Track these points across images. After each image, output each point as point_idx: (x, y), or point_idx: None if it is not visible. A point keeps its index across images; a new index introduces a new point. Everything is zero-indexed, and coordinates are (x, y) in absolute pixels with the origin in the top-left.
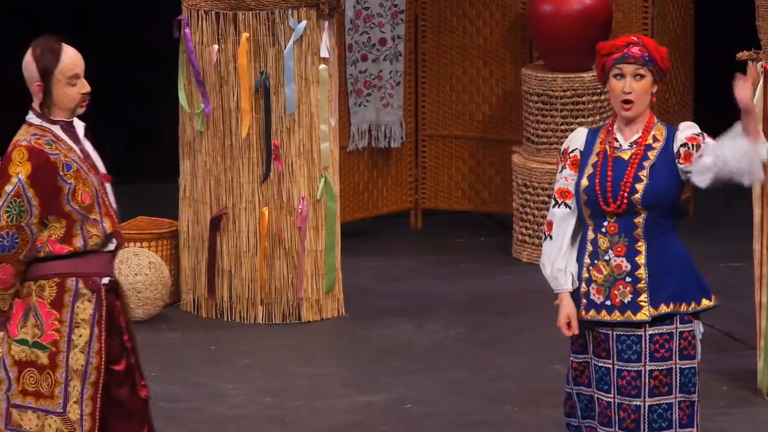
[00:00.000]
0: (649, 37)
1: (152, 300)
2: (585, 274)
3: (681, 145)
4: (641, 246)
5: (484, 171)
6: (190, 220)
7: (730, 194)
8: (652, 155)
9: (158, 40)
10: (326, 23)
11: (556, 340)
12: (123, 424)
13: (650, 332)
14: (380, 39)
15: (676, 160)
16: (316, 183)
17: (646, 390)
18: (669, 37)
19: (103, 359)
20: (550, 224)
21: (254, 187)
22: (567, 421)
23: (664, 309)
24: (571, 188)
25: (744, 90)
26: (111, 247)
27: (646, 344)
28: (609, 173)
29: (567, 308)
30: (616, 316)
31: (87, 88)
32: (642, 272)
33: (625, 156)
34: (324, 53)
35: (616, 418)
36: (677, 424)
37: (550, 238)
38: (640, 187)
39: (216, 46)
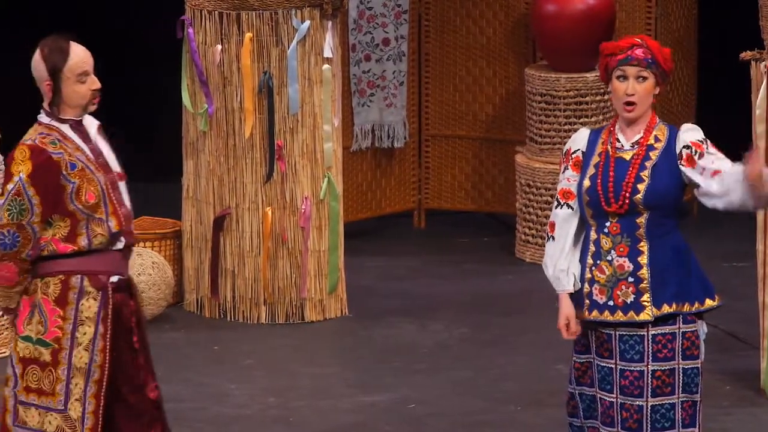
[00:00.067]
0: (653, 37)
1: (155, 300)
2: (588, 275)
3: (684, 147)
4: (644, 246)
5: (487, 171)
6: (193, 220)
7: None
8: (653, 155)
9: (158, 40)
10: (329, 23)
11: (559, 341)
12: (130, 424)
13: (653, 332)
14: (383, 39)
15: (678, 161)
16: (319, 183)
17: (649, 390)
18: (672, 37)
19: (107, 357)
20: (552, 225)
21: (257, 187)
22: (570, 421)
23: (666, 309)
24: (574, 189)
25: (756, 167)
26: (119, 246)
27: (648, 344)
28: (611, 173)
29: (566, 309)
30: (619, 316)
31: (97, 85)
32: (644, 272)
33: (627, 156)
34: (327, 53)
35: (619, 418)
36: (680, 424)
37: (553, 239)
38: (641, 187)
39: (219, 46)
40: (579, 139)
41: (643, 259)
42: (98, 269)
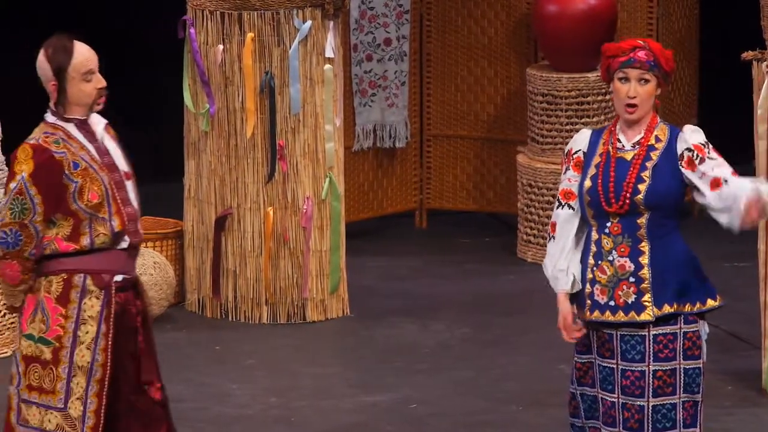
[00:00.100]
0: (654, 37)
1: (157, 300)
2: (589, 275)
3: (686, 149)
4: (645, 246)
5: (488, 171)
6: (194, 220)
7: None
8: (654, 155)
9: (158, 40)
10: (331, 23)
11: (561, 341)
12: (133, 424)
13: (654, 332)
14: (385, 39)
15: (679, 162)
16: (320, 183)
17: (650, 390)
18: (674, 37)
19: (110, 357)
20: (554, 225)
21: (259, 187)
22: (571, 422)
23: (667, 309)
24: (575, 189)
25: (752, 217)
26: (123, 245)
27: (649, 344)
28: (611, 174)
29: (563, 310)
30: (620, 316)
31: (102, 83)
32: (645, 272)
33: (628, 157)
34: (329, 53)
35: (620, 418)
36: (681, 424)
37: (554, 239)
38: (642, 187)
39: (221, 46)
40: (580, 140)
41: (645, 260)
42: (101, 268)
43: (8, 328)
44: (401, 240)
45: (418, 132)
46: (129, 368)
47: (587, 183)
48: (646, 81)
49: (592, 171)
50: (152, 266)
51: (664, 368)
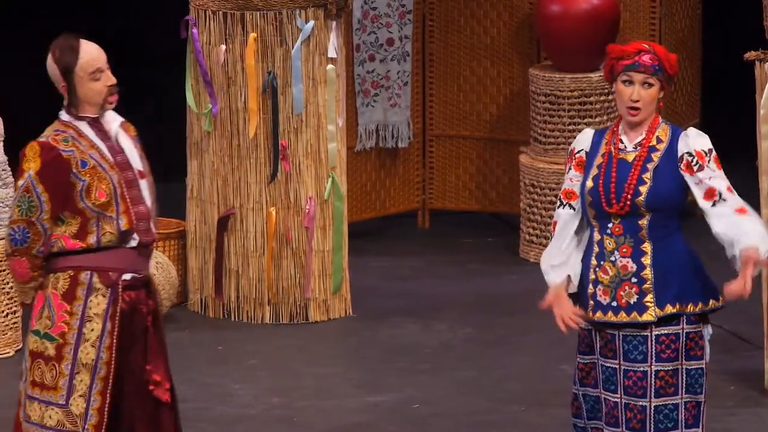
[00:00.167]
0: (657, 37)
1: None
2: (591, 275)
3: (686, 152)
4: (647, 247)
5: (491, 171)
6: (197, 220)
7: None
8: (655, 157)
9: (158, 40)
10: (334, 23)
11: (563, 341)
12: (137, 424)
13: (656, 333)
14: (388, 39)
15: (678, 164)
16: (323, 183)
17: (652, 390)
18: (676, 37)
19: (114, 355)
20: (555, 225)
21: (262, 187)
22: (574, 422)
23: (669, 309)
24: (576, 189)
25: (737, 291)
26: (132, 243)
27: (651, 345)
28: (613, 175)
29: (550, 296)
30: (623, 317)
31: (112, 80)
32: (648, 273)
33: (629, 158)
34: (331, 53)
35: (623, 418)
36: (683, 424)
37: (554, 237)
38: (643, 189)
39: (223, 46)
40: (583, 140)
41: (647, 260)
42: (108, 266)
43: (11, 328)
44: (404, 240)
45: (421, 132)
46: (136, 368)
47: (589, 183)
48: (650, 85)
49: (594, 171)
50: (155, 266)
51: (666, 368)
